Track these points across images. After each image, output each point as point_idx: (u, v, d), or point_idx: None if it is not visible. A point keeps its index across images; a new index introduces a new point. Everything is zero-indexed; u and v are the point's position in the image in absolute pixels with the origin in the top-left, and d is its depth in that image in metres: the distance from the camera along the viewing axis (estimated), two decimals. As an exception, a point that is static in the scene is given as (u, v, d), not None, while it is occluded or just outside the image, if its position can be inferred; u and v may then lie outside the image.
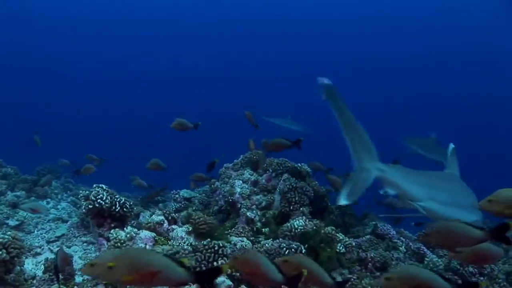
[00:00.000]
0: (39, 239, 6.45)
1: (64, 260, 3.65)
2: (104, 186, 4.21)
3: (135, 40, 37.71)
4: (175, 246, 3.69)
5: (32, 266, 5.21)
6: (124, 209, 4.11)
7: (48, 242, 6.28)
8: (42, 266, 4.98)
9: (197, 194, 7.01)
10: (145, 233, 3.75)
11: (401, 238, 6.56)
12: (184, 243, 3.79)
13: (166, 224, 4.01)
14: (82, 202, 4.14)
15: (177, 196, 6.72)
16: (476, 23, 31.77)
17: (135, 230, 3.70)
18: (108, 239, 4.03)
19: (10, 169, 8.24)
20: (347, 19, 34.87)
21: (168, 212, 4.17)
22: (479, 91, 35.24)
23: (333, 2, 34.33)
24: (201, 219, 3.98)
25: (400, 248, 6.33)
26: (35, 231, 6.72)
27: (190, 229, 3.99)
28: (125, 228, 3.74)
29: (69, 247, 6.22)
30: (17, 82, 32.63)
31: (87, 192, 4.26)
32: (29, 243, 6.18)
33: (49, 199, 7.92)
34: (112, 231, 3.70)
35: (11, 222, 6.61)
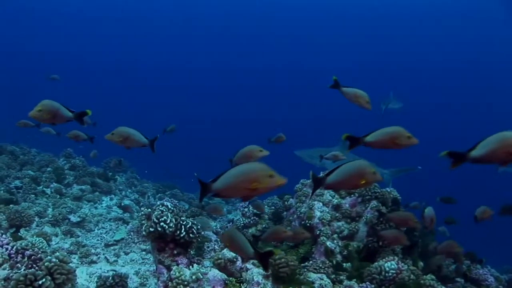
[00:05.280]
0: (98, 239, 6.14)
1: None
2: (169, 205, 3.58)
3: (136, 41, 37.27)
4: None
5: (85, 276, 4.78)
6: (191, 234, 3.45)
7: (106, 245, 5.91)
8: (96, 279, 4.54)
9: (267, 208, 6.27)
10: (214, 273, 3.05)
11: (500, 286, 5.42)
12: (260, 291, 3.05)
13: (239, 262, 3.29)
14: (143, 222, 3.54)
15: (245, 210, 6.02)
16: (477, 24, 29.84)
17: (202, 269, 3.00)
18: (169, 268, 3.41)
19: (78, 161, 8.13)
20: (346, 21, 33.37)
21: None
22: (479, 92, 34.33)
23: (335, 7, 32.56)
24: (283, 260, 3.20)
25: (499, 300, 5.21)
26: (96, 229, 6.45)
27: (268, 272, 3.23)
28: (190, 267, 3.06)
29: (127, 254, 5.81)
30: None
31: (149, 210, 3.66)
32: (87, 242, 5.90)
33: (113, 195, 7.67)
34: (175, 268, 3.04)
35: (73, 218, 6.37)
